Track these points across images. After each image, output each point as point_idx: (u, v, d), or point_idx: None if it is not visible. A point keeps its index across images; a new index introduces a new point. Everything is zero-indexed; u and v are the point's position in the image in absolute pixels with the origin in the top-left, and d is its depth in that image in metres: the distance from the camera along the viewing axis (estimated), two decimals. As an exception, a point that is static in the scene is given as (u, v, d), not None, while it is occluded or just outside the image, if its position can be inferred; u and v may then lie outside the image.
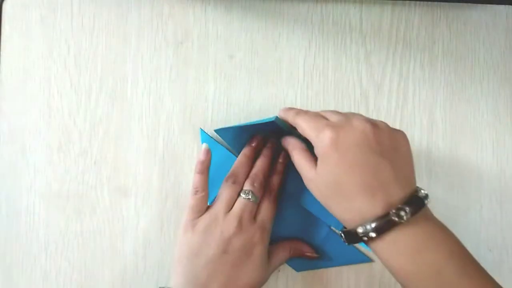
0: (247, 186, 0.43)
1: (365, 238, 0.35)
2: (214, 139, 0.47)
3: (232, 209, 0.42)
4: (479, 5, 0.48)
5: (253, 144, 0.45)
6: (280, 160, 0.45)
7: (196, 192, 0.43)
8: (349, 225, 0.36)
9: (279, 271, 0.47)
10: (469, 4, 0.48)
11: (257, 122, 0.44)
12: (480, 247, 0.47)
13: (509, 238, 0.47)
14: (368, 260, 0.46)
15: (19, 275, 0.46)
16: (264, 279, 0.43)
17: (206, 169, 0.43)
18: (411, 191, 0.35)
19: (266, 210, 0.43)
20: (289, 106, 0.46)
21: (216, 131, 0.46)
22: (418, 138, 0.47)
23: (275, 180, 0.45)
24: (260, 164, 0.44)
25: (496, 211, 0.47)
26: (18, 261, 0.46)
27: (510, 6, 0.48)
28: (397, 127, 0.47)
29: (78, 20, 0.48)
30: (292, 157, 0.40)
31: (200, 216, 0.42)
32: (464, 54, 0.48)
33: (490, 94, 0.48)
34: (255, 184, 0.43)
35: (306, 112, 0.40)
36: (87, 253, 0.46)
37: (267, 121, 0.42)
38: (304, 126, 0.38)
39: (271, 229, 0.44)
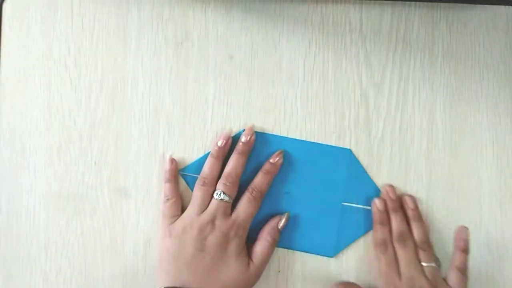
0: (219, 187, 0.44)
1: None
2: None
3: (205, 210, 0.44)
4: (479, 5, 0.48)
5: (219, 144, 0.45)
6: (271, 161, 0.45)
7: (167, 200, 0.45)
8: None
9: (279, 271, 0.47)
10: (469, 4, 0.48)
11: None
12: (480, 247, 0.47)
13: (509, 238, 0.47)
14: (330, 255, 0.46)
15: (19, 275, 0.46)
16: (251, 275, 0.43)
17: (173, 177, 0.46)
18: None
19: (243, 208, 0.44)
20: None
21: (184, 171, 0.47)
22: (418, 138, 0.47)
23: (260, 178, 0.45)
24: (233, 162, 0.45)
25: (496, 211, 0.47)
26: (18, 261, 0.47)
27: (510, 6, 0.48)
28: (397, 128, 0.47)
29: (78, 21, 0.48)
30: None
31: (175, 221, 0.44)
32: (464, 55, 0.48)
33: (490, 94, 0.48)
34: (227, 184, 0.44)
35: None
36: (87, 253, 0.47)
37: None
38: (380, 263, 0.44)
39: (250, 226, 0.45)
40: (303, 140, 0.47)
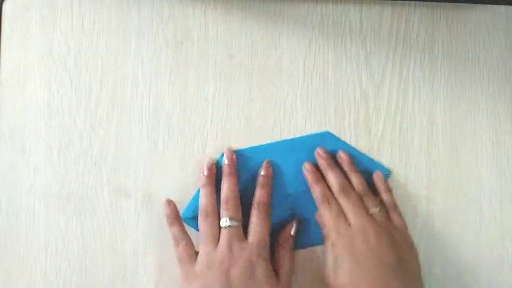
0: (223, 214, 0.43)
1: None
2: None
3: (219, 242, 0.42)
4: (479, 5, 0.48)
5: (205, 173, 0.45)
6: (263, 173, 0.45)
7: (178, 243, 0.44)
8: None
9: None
10: (469, 4, 0.48)
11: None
12: (480, 247, 0.47)
13: (509, 238, 0.47)
14: None
15: (19, 275, 0.46)
16: None
17: (176, 219, 0.45)
18: None
19: (257, 227, 0.43)
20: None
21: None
22: (418, 138, 0.47)
23: (261, 192, 0.45)
24: (226, 185, 0.44)
25: (496, 211, 0.47)
26: (18, 261, 0.46)
27: (510, 6, 0.48)
28: (397, 128, 0.47)
29: (78, 21, 0.48)
30: None
31: (193, 261, 0.43)
32: (464, 55, 0.48)
33: (490, 95, 0.48)
34: (229, 208, 0.43)
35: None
36: (87, 253, 0.46)
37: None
38: (326, 218, 0.43)
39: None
40: (281, 141, 0.47)
